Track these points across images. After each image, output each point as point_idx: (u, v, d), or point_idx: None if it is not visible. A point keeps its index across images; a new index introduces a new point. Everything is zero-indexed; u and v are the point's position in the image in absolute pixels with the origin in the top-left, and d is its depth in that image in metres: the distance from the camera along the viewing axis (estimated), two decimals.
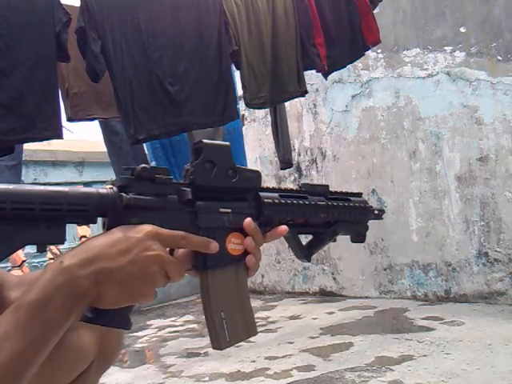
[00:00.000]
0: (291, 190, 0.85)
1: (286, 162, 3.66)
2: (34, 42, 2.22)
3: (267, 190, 0.81)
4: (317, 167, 4.61)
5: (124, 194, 0.65)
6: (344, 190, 0.93)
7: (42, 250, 0.60)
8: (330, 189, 0.89)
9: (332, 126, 4.49)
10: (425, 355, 2.55)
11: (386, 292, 4.14)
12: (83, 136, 5.13)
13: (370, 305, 3.87)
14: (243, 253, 0.75)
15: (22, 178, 3.04)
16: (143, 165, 0.69)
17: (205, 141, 0.73)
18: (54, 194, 0.60)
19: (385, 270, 4.14)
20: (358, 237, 0.96)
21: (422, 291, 3.94)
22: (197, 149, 0.74)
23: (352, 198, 0.93)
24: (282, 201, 0.81)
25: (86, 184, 3.97)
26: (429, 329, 3.03)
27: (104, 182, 4.01)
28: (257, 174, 0.79)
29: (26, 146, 2.85)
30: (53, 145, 3.49)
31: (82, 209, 0.63)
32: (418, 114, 3.95)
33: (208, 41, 2.70)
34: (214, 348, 0.72)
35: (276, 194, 0.81)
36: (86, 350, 0.80)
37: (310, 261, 0.88)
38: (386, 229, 4.03)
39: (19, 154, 2.79)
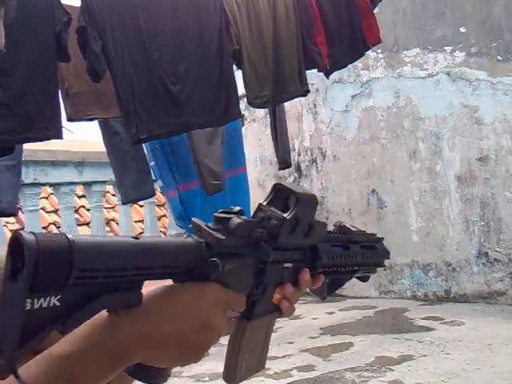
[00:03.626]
0: (338, 237, 0.82)
1: (284, 163, 3.66)
2: (34, 41, 2.22)
3: None
4: (317, 167, 4.61)
5: (219, 262, 0.57)
6: (369, 232, 0.91)
7: (113, 313, 0.52)
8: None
9: (332, 125, 4.49)
10: (425, 355, 2.55)
11: (386, 292, 4.14)
12: (83, 136, 5.13)
13: (370, 305, 3.87)
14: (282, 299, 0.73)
15: (22, 178, 3.04)
16: (239, 218, 0.60)
17: (298, 192, 0.65)
18: (148, 256, 0.52)
19: (385, 269, 4.14)
20: (366, 278, 0.97)
21: (422, 291, 3.94)
22: (279, 192, 0.67)
23: (377, 245, 0.92)
24: (335, 257, 0.79)
25: (86, 184, 3.96)
26: (429, 329, 3.03)
27: (104, 182, 4.00)
28: (325, 227, 0.74)
29: (26, 146, 2.85)
30: (53, 145, 3.48)
31: (172, 271, 0.56)
32: (418, 114, 3.94)
33: (209, 41, 2.69)
34: (225, 381, 0.70)
35: (328, 246, 0.78)
36: None
37: (324, 299, 0.88)
38: (386, 229, 4.03)
39: (19, 154, 2.79)
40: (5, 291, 0.43)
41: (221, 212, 0.61)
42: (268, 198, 0.67)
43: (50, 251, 0.43)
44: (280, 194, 0.67)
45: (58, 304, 0.44)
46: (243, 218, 0.61)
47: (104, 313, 0.53)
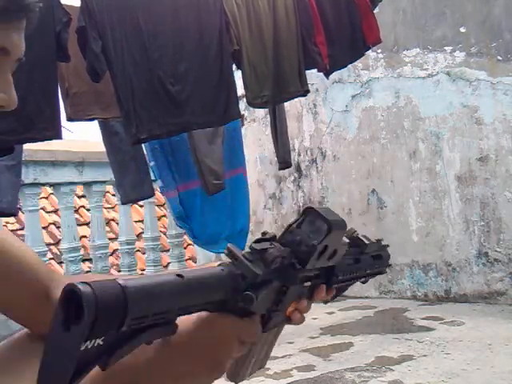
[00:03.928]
0: (351, 251, 0.82)
1: (284, 162, 3.66)
2: (33, 41, 2.21)
3: None
4: (317, 167, 4.61)
5: (254, 296, 0.59)
6: (376, 239, 0.92)
7: (149, 343, 0.53)
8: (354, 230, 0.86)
9: (332, 125, 4.49)
10: (425, 355, 2.55)
11: (386, 292, 4.14)
12: (83, 136, 5.14)
13: (370, 305, 3.87)
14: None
15: (22, 178, 3.03)
16: (276, 251, 0.61)
17: (330, 220, 0.65)
18: (192, 295, 0.54)
19: None
20: (366, 281, 0.98)
21: (422, 291, 3.94)
22: (309, 214, 0.66)
23: (383, 254, 0.94)
24: (348, 273, 0.81)
25: (86, 184, 3.96)
26: (429, 329, 3.03)
27: (104, 182, 4.00)
28: (345, 247, 0.76)
29: (26, 146, 2.84)
30: (53, 145, 3.48)
31: (210, 306, 0.58)
32: (418, 114, 3.94)
33: (209, 41, 2.69)
34: (229, 379, 0.72)
35: (343, 262, 0.79)
36: None
37: (326, 304, 0.90)
38: (386, 229, 4.03)
39: (19, 154, 2.79)
40: (54, 338, 0.43)
41: (256, 241, 0.62)
42: (298, 220, 0.67)
43: (107, 303, 0.43)
44: (310, 218, 0.67)
45: (101, 343, 0.44)
46: (277, 246, 0.63)
47: None
